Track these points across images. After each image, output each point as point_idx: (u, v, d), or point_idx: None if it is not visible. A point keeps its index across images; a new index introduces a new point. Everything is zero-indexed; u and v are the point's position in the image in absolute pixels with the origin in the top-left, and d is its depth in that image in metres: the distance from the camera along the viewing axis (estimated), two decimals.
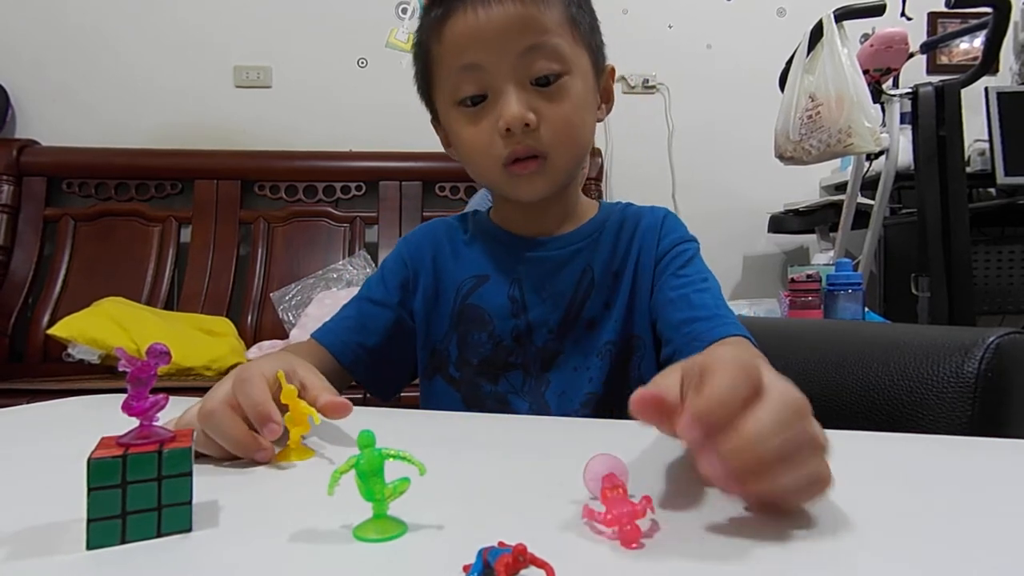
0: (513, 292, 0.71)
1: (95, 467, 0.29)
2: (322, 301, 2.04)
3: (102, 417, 0.60)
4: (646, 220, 0.73)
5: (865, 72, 1.75)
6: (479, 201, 1.71)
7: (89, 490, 0.29)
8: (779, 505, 0.31)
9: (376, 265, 2.29)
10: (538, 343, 0.69)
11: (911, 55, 1.87)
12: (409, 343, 0.74)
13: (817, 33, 1.79)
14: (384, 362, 0.73)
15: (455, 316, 0.72)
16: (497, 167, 0.65)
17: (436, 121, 0.73)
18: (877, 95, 1.83)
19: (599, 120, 0.71)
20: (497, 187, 0.70)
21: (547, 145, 0.63)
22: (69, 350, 1.84)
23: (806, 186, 2.58)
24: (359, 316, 0.73)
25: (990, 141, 2.18)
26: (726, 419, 0.29)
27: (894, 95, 1.85)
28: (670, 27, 2.58)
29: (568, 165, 0.67)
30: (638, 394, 0.32)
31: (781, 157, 1.91)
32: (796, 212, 2.34)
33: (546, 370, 0.69)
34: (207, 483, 0.34)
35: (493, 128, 0.63)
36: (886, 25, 1.94)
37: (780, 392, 0.30)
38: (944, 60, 2.68)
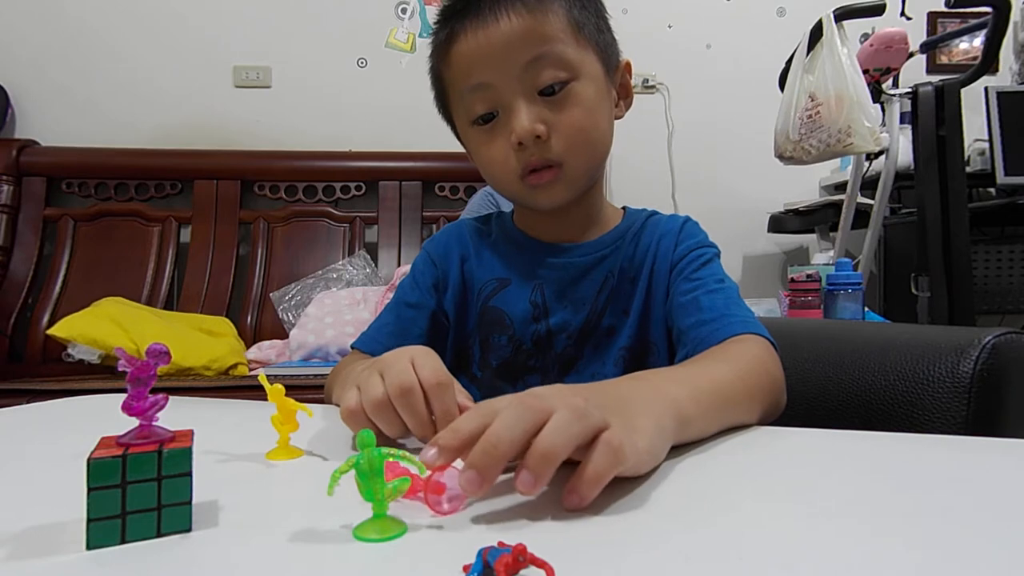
0: (535, 297, 0.71)
1: (95, 467, 0.29)
2: (322, 301, 2.04)
3: (102, 417, 0.60)
4: (664, 226, 0.73)
5: (865, 72, 1.74)
6: (479, 202, 1.71)
7: (89, 490, 0.29)
8: (580, 490, 0.33)
9: (376, 265, 2.29)
10: (557, 348, 0.70)
11: (911, 55, 1.87)
12: (445, 342, 0.75)
13: (817, 33, 1.78)
14: None
15: (477, 317, 0.73)
16: (515, 180, 0.65)
17: (459, 137, 0.74)
18: (877, 95, 1.82)
19: (618, 118, 0.71)
20: (518, 199, 0.70)
21: (560, 154, 0.63)
22: (69, 350, 1.84)
23: (806, 186, 2.58)
24: (398, 321, 0.73)
25: (990, 141, 2.18)
26: (458, 446, 0.34)
27: (894, 95, 1.85)
28: (670, 27, 2.58)
29: (585, 170, 0.67)
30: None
31: (781, 157, 1.91)
32: (796, 212, 2.34)
33: (564, 375, 0.69)
34: (207, 483, 0.34)
35: (507, 143, 0.64)
36: (886, 25, 1.94)
37: (517, 401, 0.35)
38: (944, 60, 2.68)
